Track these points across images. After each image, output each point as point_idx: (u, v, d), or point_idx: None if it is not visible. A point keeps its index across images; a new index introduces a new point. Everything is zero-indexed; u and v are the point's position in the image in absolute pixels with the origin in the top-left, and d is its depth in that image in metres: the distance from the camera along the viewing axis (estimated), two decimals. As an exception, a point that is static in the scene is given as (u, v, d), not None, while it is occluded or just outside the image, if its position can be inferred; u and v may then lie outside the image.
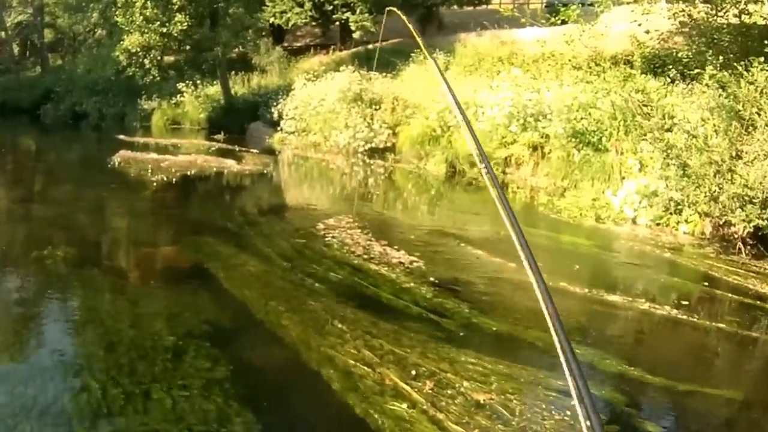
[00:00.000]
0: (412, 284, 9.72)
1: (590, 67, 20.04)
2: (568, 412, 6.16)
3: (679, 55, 18.13)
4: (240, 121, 28.83)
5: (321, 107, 24.57)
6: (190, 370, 7.02)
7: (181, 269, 10.74)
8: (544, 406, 6.39)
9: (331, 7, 32.93)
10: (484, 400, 6.44)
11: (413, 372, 6.89)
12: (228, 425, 6.05)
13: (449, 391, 6.57)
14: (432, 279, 9.98)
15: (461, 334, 8.11)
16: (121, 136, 26.08)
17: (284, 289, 9.57)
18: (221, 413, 6.22)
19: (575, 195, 15.89)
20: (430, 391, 6.53)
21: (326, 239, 12.06)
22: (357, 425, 6.11)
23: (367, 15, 31.35)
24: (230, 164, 20.85)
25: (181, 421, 6.10)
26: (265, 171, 21.00)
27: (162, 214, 14.84)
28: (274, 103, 27.02)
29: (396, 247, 11.43)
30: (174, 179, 18.54)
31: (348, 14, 32.09)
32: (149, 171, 19.10)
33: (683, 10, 18.21)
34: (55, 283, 9.93)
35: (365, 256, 10.94)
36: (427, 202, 17.62)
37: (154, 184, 17.81)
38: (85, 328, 8.25)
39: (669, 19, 18.96)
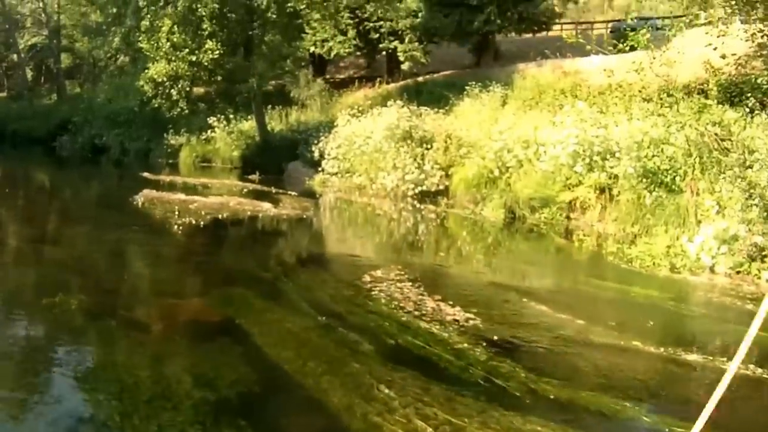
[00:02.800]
0: (467, 344, 9.46)
1: (661, 99, 19.76)
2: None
3: (758, 81, 17.88)
4: (277, 160, 28.84)
5: (366, 146, 24.49)
6: None
7: (209, 324, 10.51)
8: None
9: (377, 36, 32.93)
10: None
11: (470, 447, 6.65)
12: None
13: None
14: (490, 338, 9.73)
15: (525, 401, 7.82)
16: (146, 174, 26.16)
17: (325, 348, 9.33)
18: None
19: (647, 242, 15.61)
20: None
21: (372, 293, 11.84)
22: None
23: (416, 44, 31.36)
24: (266, 208, 20.77)
25: None
26: (304, 216, 20.87)
27: (189, 261, 14.68)
28: (315, 141, 27.03)
29: (450, 302, 11.18)
30: (203, 223, 18.48)
31: (396, 43, 32.18)
32: (176, 213, 19.07)
33: (761, 30, 17.97)
34: (65, 335, 9.78)
35: (416, 313, 10.71)
36: (483, 252, 17.41)
37: (181, 227, 17.74)
38: (97, 387, 8.01)
39: (746, 41, 18.73)
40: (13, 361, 8.76)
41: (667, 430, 7.28)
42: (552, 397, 8.01)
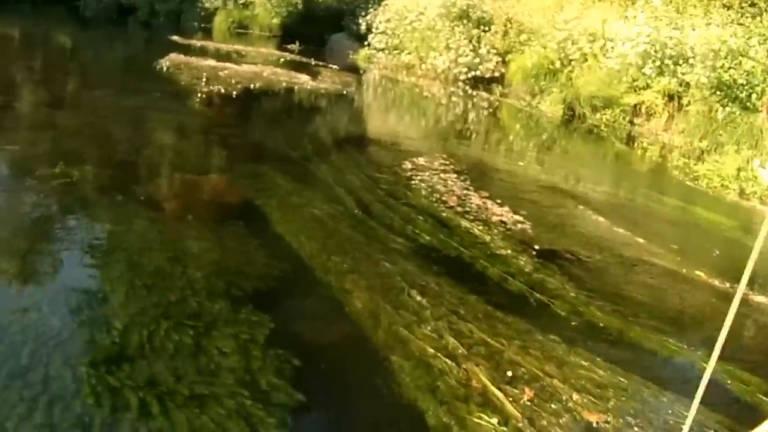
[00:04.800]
0: (513, 251, 9.06)
1: (743, 7, 19.01)
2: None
3: None
4: (319, 31, 28.28)
5: (419, 22, 23.84)
6: (225, 331, 6.32)
7: (228, 204, 9.96)
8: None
9: None
10: (597, 423, 5.62)
11: (509, 373, 6.12)
12: (263, 404, 5.38)
13: (554, 405, 5.77)
14: (539, 247, 9.29)
15: (570, 326, 7.38)
16: (175, 37, 25.42)
17: (353, 241, 8.83)
18: (256, 386, 5.60)
19: (716, 160, 15.13)
20: (530, 403, 5.73)
21: (413, 182, 11.41)
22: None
23: None
24: (304, 80, 20.24)
25: (212, 377, 5.63)
26: (345, 92, 20.31)
27: (213, 133, 13.99)
28: (363, 13, 26.41)
29: (498, 201, 10.76)
30: (233, 92, 17.79)
31: None
32: (203, 80, 18.37)
33: None
34: (70, 208, 8.98)
35: (459, 209, 10.30)
36: (538, 149, 16.89)
37: (208, 96, 17.05)
38: (101, 264, 7.44)
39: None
40: (12, 233, 8.04)
41: (728, 380, 6.77)
42: (602, 325, 7.55)
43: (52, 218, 8.69)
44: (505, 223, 10.03)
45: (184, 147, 12.99)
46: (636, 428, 5.63)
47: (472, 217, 10.08)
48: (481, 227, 9.72)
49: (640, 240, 10.09)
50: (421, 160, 12.84)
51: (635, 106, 18.91)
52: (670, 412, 5.97)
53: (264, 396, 5.51)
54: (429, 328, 6.70)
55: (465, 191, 11.22)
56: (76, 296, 6.60)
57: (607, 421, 5.65)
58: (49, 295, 6.60)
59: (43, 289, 6.75)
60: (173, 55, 20.91)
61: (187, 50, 22.57)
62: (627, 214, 10.93)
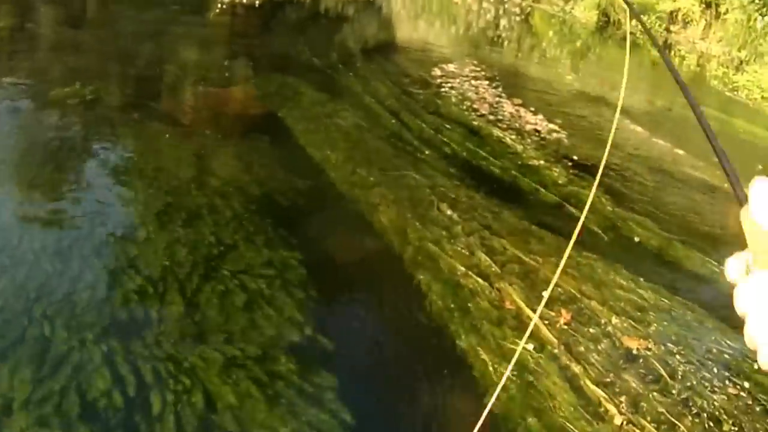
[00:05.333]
0: (547, 161, 8.82)
1: None
2: (746, 384, 5.12)
3: None
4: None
5: None
6: (248, 252, 6.11)
7: (251, 117, 9.72)
8: (714, 369, 5.27)
9: None
10: (637, 349, 5.33)
11: (544, 294, 5.78)
12: (289, 329, 5.20)
13: (592, 330, 5.48)
14: (574, 157, 9.02)
15: (608, 242, 7.15)
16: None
17: (380, 152, 8.58)
18: (282, 310, 5.38)
19: (756, 71, 14.68)
20: (566, 327, 5.43)
21: (443, 90, 11.11)
22: (459, 362, 5.14)
23: None
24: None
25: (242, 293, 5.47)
26: (372, -1, 19.90)
27: (235, 44, 13.77)
28: None
29: (531, 109, 10.52)
30: (256, 1, 17.39)
31: None
32: (225, -11, 18.02)
33: None
34: (89, 127, 8.72)
35: (491, 117, 10.06)
36: (571, 56, 16.57)
37: (230, 6, 16.70)
38: (126, 184, 7.24)
39: None
40: (34, 157, 7.85)
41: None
42: (640, 242, 7.30)
43: (72, 140, 8.44)
44: (539, 132, 9.77)
45: (205, 60, 12.63)
46: (678, 356, 5.34)
47: (504, 126, 9.80)
48: (514, 136, 9.45)
49: (679, 152, 9.87)
50: (451, 67, 12.54)
51: (671, 12, 18.57)
52: (713, 338, 5.68)
53: (291, 318, 5.32)
54: (460, 244, 6.43)
55: (497, 99, 10.94)
56: (102, 224, 6.38)
57: (648, 348, 5.35)
58: (75, 224, 6.37)
59: (69, 218, 6.51)
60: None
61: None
62: (665, 124, 10.67)
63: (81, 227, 6.19)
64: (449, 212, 6.97)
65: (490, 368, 4.96)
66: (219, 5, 16.37)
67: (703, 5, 18.01)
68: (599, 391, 4.78)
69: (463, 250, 6.30)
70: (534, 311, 5.48)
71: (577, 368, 4.98)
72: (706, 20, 18.03)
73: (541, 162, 8.72)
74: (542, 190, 7.97)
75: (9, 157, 7.64)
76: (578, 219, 6.80)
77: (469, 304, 5.57)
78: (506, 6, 20.51)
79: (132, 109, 9.25)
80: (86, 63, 11.00)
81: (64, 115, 8.88)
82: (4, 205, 6.55)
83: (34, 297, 5.09)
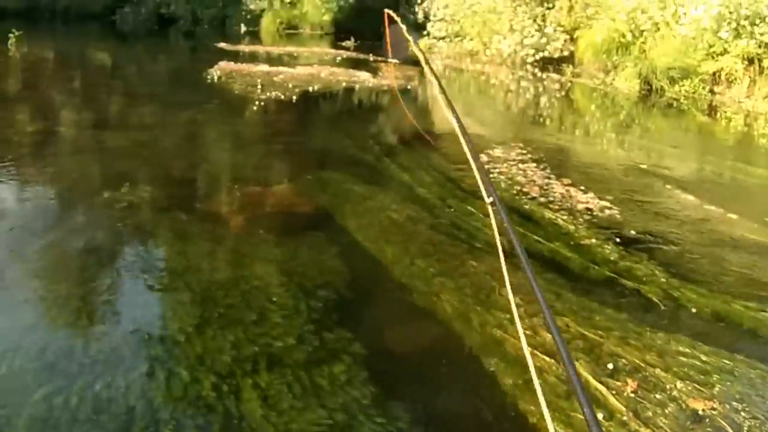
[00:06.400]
0: (602, 239, 9.17)
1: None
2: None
3: None
4: (374, 24, 28.22)
5: (479, 5, 23.95)
6: (307, 353, 6.43)
7: (299, 215, 10.16)
8: (782, 421, 5.69)
9: None
10: (703, 410, 5.74)
11: (610, 366, 6.24)
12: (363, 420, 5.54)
13: (658, 396, 5.89)
14: (630, 233, 9.38)
15: (667, 313, 7.48)
16: (222, 45, 25.86)
17: (436, 243, 8.96)
18: (346, 414, 5.66)
19: (808, 126, 15.06)
20: (633, 395, 5.89)
21: (491, 175, 11.48)
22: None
23: None
24: (363, 78, 20.47)
25: (302, 400, 5.72)
26: (408, 87, 20.51)
27: (274, 142, 14.32)
28: (419, 1, 26.46)
29: (582, 188, 10.91)
30: (291, 97, 18.06)
31: None
32: (258, 88, 18.68)
33: None
34: (131, 233, 9.13)
35: (542, 200, 10.47)
36: (617, 129, 16.95)
37: (265, 104, 17.32)
38: (168, 293, 7.57)
39: None
40: (73, 264, 8.23)
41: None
42: (696, 310, 7.62)
43: (112, 248, 8.77)
44: (591, 210, 10.15)
45: (244, 159, 13.20)
46: (743, 413, 5.72)
47: (556, 207, 10.22)
48: (566, 217, 9.85)
49: (733, 216, 10.18)
50: (497, 152, 13.03)
51: (714, 73, 18.91)
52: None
53: (360, 414, 5.66)
54: (524, 325, 6.82)
55: (546, 180, 11.39)
56: (140, 335, 6.68)
57: (713, 408, 5.76)
58: (116, 335, 6.68)
59: (104, 329, 6.81)
60: (223, 64, 21.24)
61: (236, 57, 22.95)
62: (716, 190, 10.99)
63: (120, 342, 6.50)
64: (511, 296, 7.40)
65: (565, 439, 5.45)
66: (255, 102, 17.00)
67: (746, 62, 18.25)
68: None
69: (527, 331, 6.68)
70: (601, 383, 5.97)
71: (646, 431, 5.46)
72: (750, 77, 18.27)
73: (599, 240, 9.10)
74: (600, 267, 8.33)
75: (48, 267, 8.02)
76: (634, 292, 7.32)
77: (538, 381, 6.01)
78: (545, 83, 20.97)
79: (173, 211, 9.72)
80: (120, 167, 11.69)
81: (103, 223, 9.37)
82: (40, 319, 6.90)
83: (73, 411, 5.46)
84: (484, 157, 12.47)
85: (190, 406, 5.64)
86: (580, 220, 9.80)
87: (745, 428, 5.55)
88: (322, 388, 5.92)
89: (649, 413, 5.64)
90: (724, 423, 5.60)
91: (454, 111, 3.83)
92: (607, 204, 10.27)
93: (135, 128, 14.76)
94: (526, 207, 10.15)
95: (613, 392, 5.89)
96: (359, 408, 5.69)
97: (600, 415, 5.58)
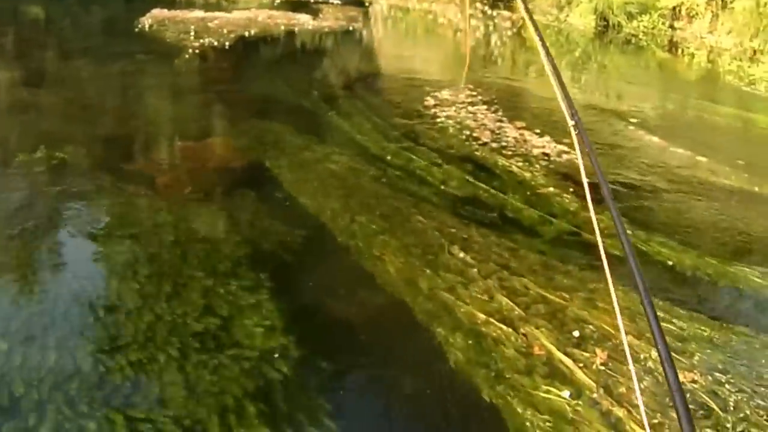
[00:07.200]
0: (561, 188, 8.71)
1: None
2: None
3: None
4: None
5: (426, -62, 23.39)
6: (241, 325, 5.97)
7: (232, 170, 9.59)
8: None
9: None
10: (683, 383, 5.17)
11: (575, 333, 5.72)
12: (295, 406, 5.09)
13: (630, 368, 5.32)
14: (591, 180, 8.86)
15: (649, 273, 6.91)
16: (157, -8, 25.04)
17: (379, 196, 8.48)
18: (286, 386, 5.26)
19: (774, 62, 14.72)
20: (603, 367, 5.33)
21: (438, 120, 11.12)
22: (489, 421, 5.02)
23: None
24: (303, 20, 19.93)
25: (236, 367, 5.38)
26: (351, 28, 20.03)
27: (207, 92, 13.64)
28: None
29: (537, 131, 10.48)
30: (226, 44, 17.38)
31: None
32: (192, 35, 17.94)
33: None
34: (58, 195, 8.52)
35: (494, 145, 10.09)
36: (572, 68, 16.59)
37: (199, 51, 16.65)
38: (103, 254, 7.17)
39: None
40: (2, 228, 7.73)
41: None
42: (671, 263, 7.22)
43: (42, 208, 8.31)
44: (548, 155, 9.75)
45: (178, 111, 12.60)
46: (728, 385, 5.24)
47: (510, 152, 9.81)
48: (521, 163, 9.44)
49: (701, 158, 9.87)
50: (444, 94, 12.56)
51: (674, 8, 18.63)
52: (763, 361, 5.59)
53: (295, 392, 5.24)
54: (477, 288, 6.34)
55: (498, 123, 10.97)
56: (80, 296, 6.33)
57: (694, 381, 5.25)
58: (51, 295, 6.37)
59: (45, 289, 6.52)
60: (156, 11, 20.49)
61: (171, 4, 22.19)
62: (681, 131, 10.65)
63: (56, 305, 6.17)
64: (462, 255, 6.88)
65: (524, 421, 4.89)
66: (189, 50, 16.36)
67: (708, -4, 18.08)
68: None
69: (481, 295, 6.21)
70: (566, 355, 5.41)
71: (620, 412, 4.89)
72: (712, 12, 18.05)
73: (558, 189, 8.67)
74: (561, 220, 7.92)
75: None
76: (597, 247, 6.77)
77: (493, 354, 5.47)
78: (496, 21, 20.56)
79: (103, 172, 9.17)
80: (49, 125, 11.04)
81: (28, 185, 8.80)
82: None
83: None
84: (430, 101, 11.99)
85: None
86: (536, 166, 9.36)
87: (731, 403, 5.02)
88: (250, 360, 5.50)
89: (623, 388, 5.09)
90: (706, 397, 5.07)
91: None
92: (565, 148, 9.82)
93: (66, 83, 14.12)
94: (477, 154, 9.71)
95: (581, 365, 5.34)
96: (297, 397, 5.21)
97: (565, 393, 5.03)
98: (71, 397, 5.00)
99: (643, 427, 4.70)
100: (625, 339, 4.20)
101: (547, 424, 4.82)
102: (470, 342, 5.66)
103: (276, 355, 5.55)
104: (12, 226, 7.65)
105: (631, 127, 11.09)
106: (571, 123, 3.43)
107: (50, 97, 12.90)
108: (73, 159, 9.42)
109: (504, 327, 5.77)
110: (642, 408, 4.77)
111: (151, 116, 12.18)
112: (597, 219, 6.86)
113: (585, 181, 3.32)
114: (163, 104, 12.93)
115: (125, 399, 5.04)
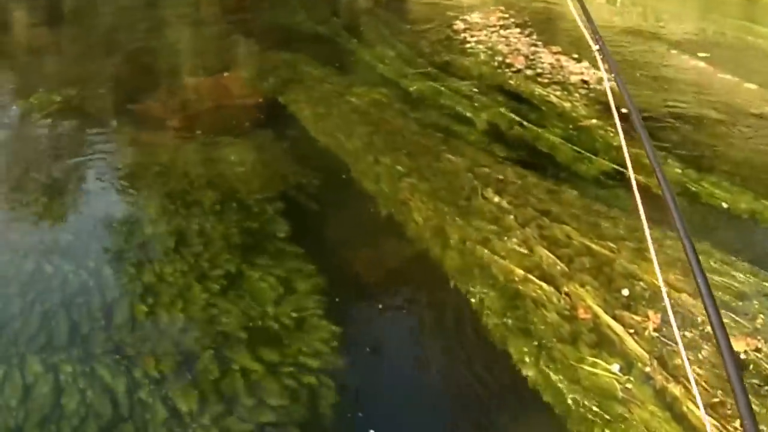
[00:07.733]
0: (604, 120, 8.18)
1: None
2: None
3: None
4: None
5: None
6: (259, 270, 5.70)
7: (247, 108, 9.11)
8: None
9: None
10: (746, 353, 4.67)
11: (625, 292, 5.19)
12: (313, 362, 4.78)
13: (687, 334, 4.80)
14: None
15: (688, 213, 6.39)
16: None
17: (405, 133, 8.01)
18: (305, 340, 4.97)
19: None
20: (656, 333, 4.80)
21: (468, 46, 10.67)
22: (526, 397, 4.56)
23: None
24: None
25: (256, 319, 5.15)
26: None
27: (220, 22, 13.23)
28: None
29: (575, 56, 9.97)
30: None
31: None
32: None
33: None
34: (66, 139, 8.44)
35: (529, 72, 9.65)
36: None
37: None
38: (123, 195, 7.03)
39: None
40: (20, 169, 7.63)
41: None
42: (726, 206, 6.69)
43: (57, 150, 8.17)
44: (587, 83, 9.27)
45: (188, 44, 12.23)
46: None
47: (546, 81, 9.34)
48: (559, 92, 8.95)
49: (751, 86, 9.30)
50: (474, 17, 12.10)
51: None
52: None
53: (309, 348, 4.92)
54: (514, 239, 5.84)
55: (533, 48, 10.53)
56: (102, 237, 6.30)
57: (758, 349, 4.70)
58: (73, 236, 6.31)
59: (67, 230, 6.46)
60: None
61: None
62: (725, 54, 10.16)
63: (77, 248, 6.08)
64: (496, 199, 6.40)
65: (568, 401, 4.36)
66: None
67: None
68: (709, 418, 4.12)
69: (518, 247, 5.73)
70: (615, 319, 4.85)
71: (676, 389, 4.33)
72: None
73: (600, 121, 8.16)
74: (604, 157, 7.37)
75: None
76: (644, 188, 6.19)
77: (533, 319, 4.95)
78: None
79: (120, 111, 8.91)
80: (67, 64, 10.81)
81: (46, 125, 8.62)
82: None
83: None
84: (459, 25, 11.56)
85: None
86: (576, 95, 8.88)
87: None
88: (275, 320, 5.18)
89: (678, 360, 4.49)
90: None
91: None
92: (607, 75, 9.23)
93: (80, 21, 13.77)
94: (512, 82, 9.29)
95: (632, 331, 4.78)
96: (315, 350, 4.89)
97: (615, 367, 4.48)
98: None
99: (705, 406, 4.15)
100: (667, 300, 3.69)
101: (594, 404, 4.28)
102: (505, 304, 5.16)
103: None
104: (30, 167, 7.63)
105: (674, 51, 10.61)
106: (595, 48, 3.52)
107: (65, 35, 12.76)
108: (90, 98, 9.25)
109: (545, 285, 5.25)
110: (693, 385, 4.24)
111: (166, 50, 11.83)
112: (638, 155, 6.24)
113: (614, 109, 3.18)
114: (179, 37, 12.56)
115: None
